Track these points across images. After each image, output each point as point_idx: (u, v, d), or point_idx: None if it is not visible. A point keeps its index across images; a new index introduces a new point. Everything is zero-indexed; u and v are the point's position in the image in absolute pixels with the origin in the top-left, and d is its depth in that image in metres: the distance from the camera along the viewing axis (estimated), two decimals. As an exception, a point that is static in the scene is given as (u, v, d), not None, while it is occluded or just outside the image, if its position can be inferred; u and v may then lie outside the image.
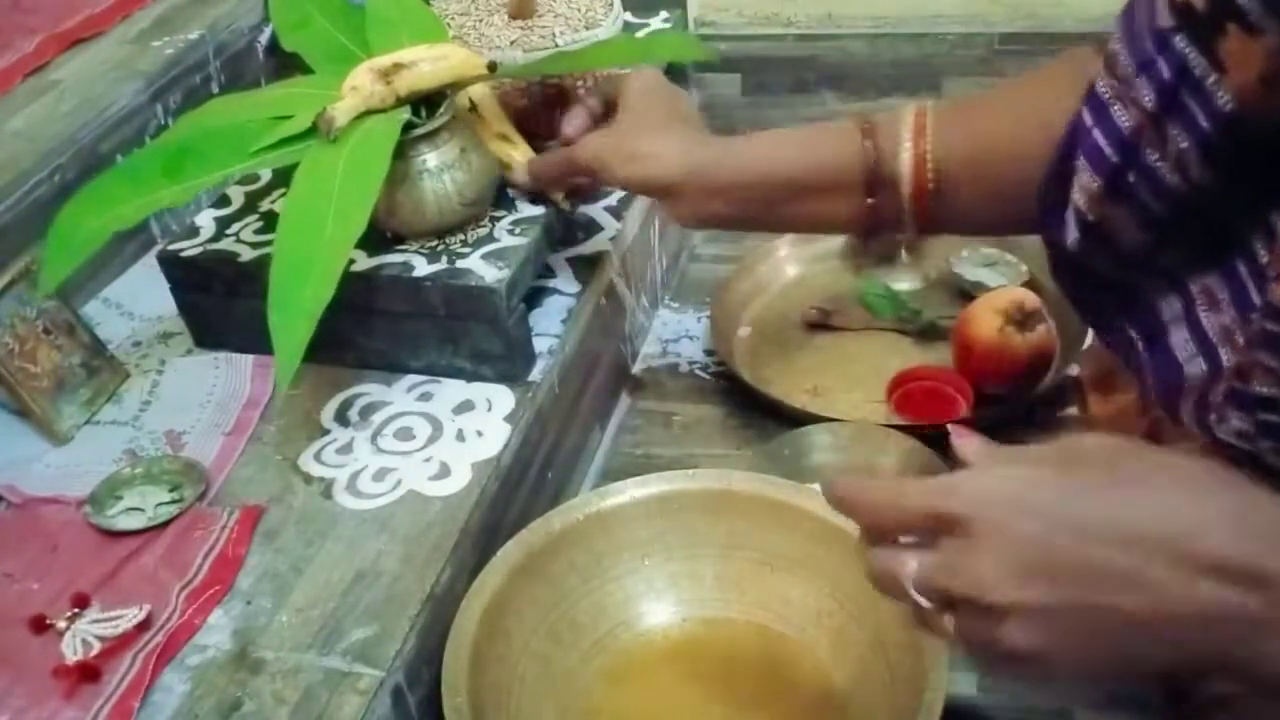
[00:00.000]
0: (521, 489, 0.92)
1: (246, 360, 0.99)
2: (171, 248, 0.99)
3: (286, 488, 0.88)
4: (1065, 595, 0.47)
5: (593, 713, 0.83)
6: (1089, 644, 0.47)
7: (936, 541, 0.50)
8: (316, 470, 0.89)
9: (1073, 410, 1.07)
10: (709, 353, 1.19)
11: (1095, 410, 0.87)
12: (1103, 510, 0.47)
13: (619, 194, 1.17)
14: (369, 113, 0.89)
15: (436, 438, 0.91)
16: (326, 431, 0.93)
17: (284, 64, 1.11)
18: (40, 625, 0.77)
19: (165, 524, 0.84)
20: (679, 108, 0.92)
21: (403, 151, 0.90)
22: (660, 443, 1.10)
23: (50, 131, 1.09)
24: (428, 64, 0.91)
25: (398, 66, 0.90)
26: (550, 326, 1.00)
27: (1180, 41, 0.55)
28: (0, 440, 0.94)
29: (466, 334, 0.93)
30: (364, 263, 0.93)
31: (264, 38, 1.29)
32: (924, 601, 0.51)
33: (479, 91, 0.99)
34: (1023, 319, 1.05)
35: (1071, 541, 0.47)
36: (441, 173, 0.92)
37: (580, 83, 1.03)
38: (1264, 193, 0.54)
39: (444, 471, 0.88)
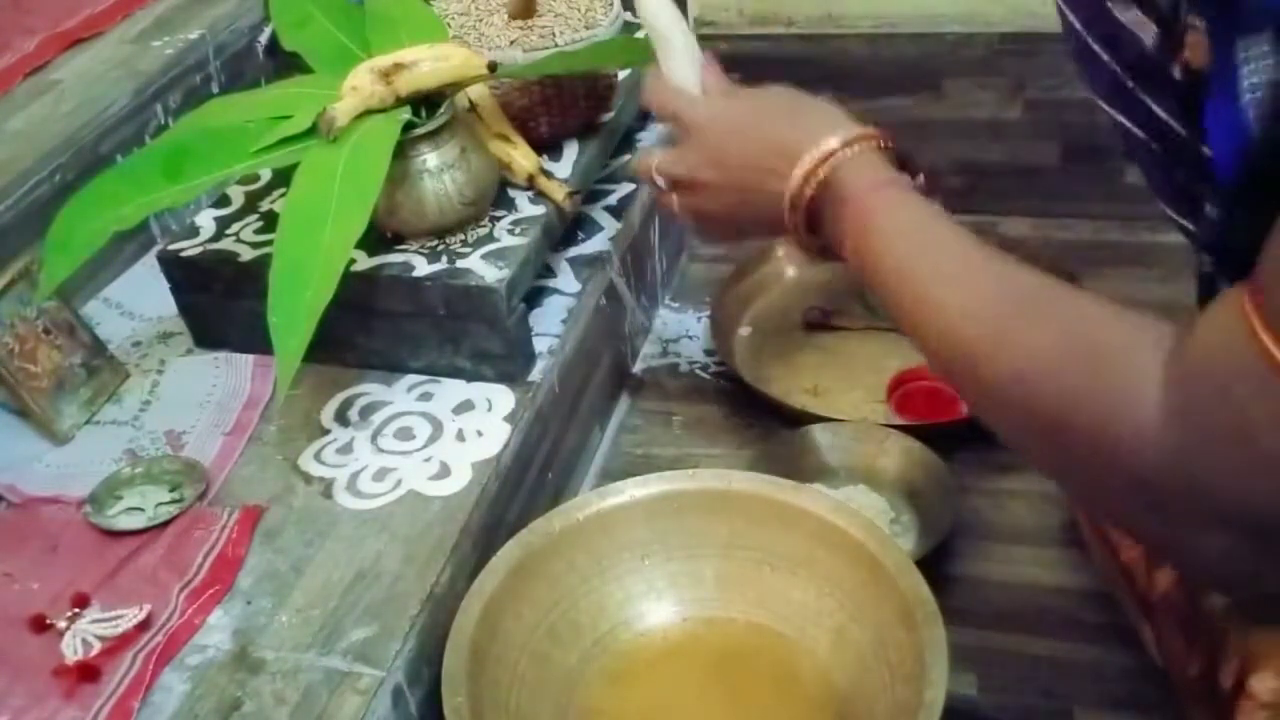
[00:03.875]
0: (521, 489, 0.92)
1: (246, 360, 1.00)
2: (171, 248, 0.99)
3: (286, 488, 0.88)
4: (725, 180, 0.76)
5: (593, 713, 0.83)
6: (734, 212, 0.77)
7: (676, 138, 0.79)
8: (316, 470, 0.89)
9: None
10: (709, 353, 1.19)
11: None
12: (758, 131, 0.74)
13: (619, 194, 1.17)
14: (369, 113, 0.89)
15: (436, 438, 0.91)
16: (326, 431, 0.93)
17: (284, 64, 1.11)
18: (40, 625, 0.77)
19: (165, 524, 0.84)
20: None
21: (403, 151, 0.90)
22: (660, 443, 1.10)
23: (50, 131, 1.09)
24: (428, 64, 0.91)
25: (398, 66, 0.90)
26: (550, 326, 1.00)
27: None
28: (0, 440, 0.94)
29: (466, 334, 0.93)
30: (364, 263, 0.93)
31: (264, 38, 1.29)
32: (661, 183, 0.80)
33: (479, 91, 0.99)
34: (1023, 319, 1.05)
35: (734, 148, 0.75)
36: (441, 173, 0.92)
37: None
38: None
39: (444, 471, 0.88)
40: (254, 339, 0.91)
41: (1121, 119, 0.66)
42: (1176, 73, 0.59)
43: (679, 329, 1.24)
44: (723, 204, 0.77)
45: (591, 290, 1.06)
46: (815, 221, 0.71)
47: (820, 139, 0.70)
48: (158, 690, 0.73)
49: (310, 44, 1.01)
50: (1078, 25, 0.65)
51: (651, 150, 0.83)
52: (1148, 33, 0.61)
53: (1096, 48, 0.64)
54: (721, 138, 0.76)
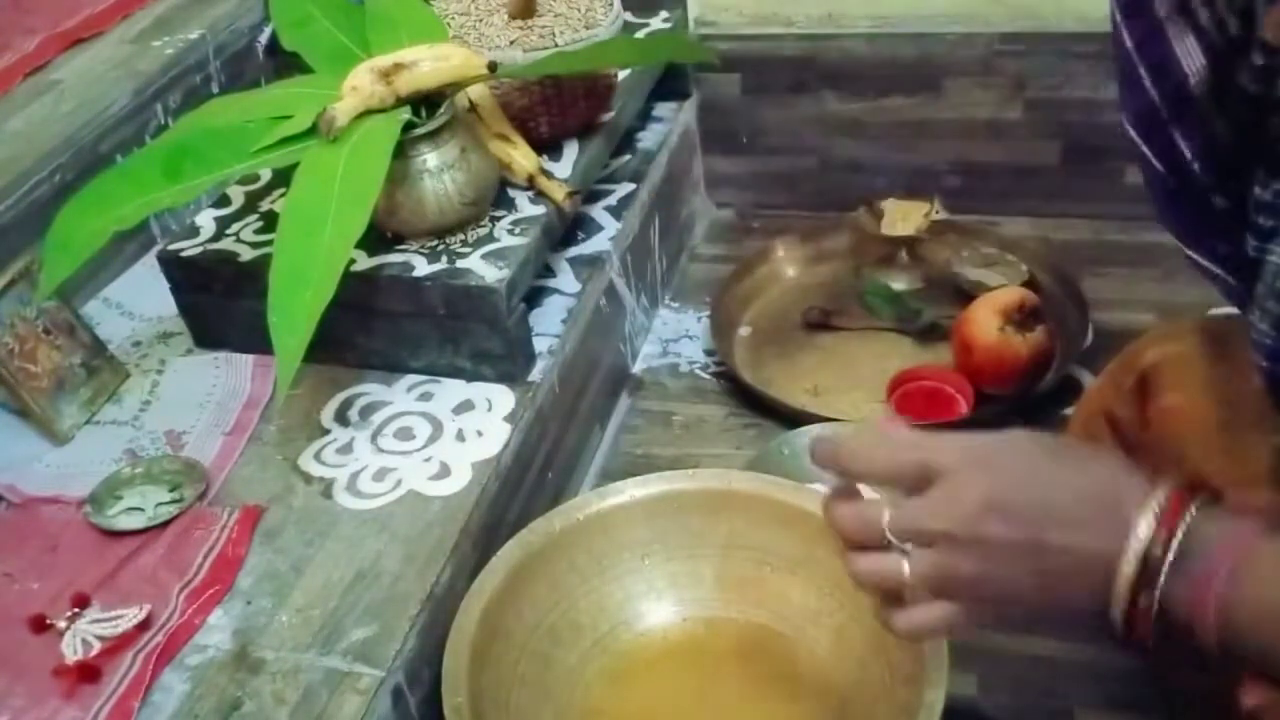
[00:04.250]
0: (521, 489, 0.92)
1: (246, 360, 1.00)
2: (171, 248, 0.99)
3: (286, 488, 0.88)
4: (1016, 533, 0.57)
5: (593, 713, 0.83)
6: (1020, 577, 0.57)
7: (914, 491, 0.60)
8: (316, 470, 0.89)
9: (1069, 409, 1.06)
10: (709, 353, 1.19)
11: None
12: (1048, 473, 0.58)
13: (619, 194, 1.17)
14: (369, 113, 0.89)
15: (436, 438, 0.91)
16: (326, 431, 0.93)
17: (284, 64, 1.11)
18: (40, 625, 0.77)
19: (165, 524, 0.84)
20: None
21: (403, 151, 0.90)
22: (660, 443, 1.10)
23: (50, 131, 1.09)
24: (428, 64, 0.91)
25: (398, 66, 0.90)
26: (550, 326, 1.00)
27: None
28: (0, 440, 0.94)
29: (466, 334, 0.93)
30: (364, 263, 0.93)
31: (264, 38, 1.29)
32: (895, 542, 0.59)
33: (479, 91, 0.99)
34: (1023, 319, 1.05)
35: (1023, 492, 0.58)
36: (441, 173, 0.92)
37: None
38: None
39: (444, 471, 0.88)
40: (254, 339, 0.91)
41: (1144, 149, 0.65)
42: (1257, 58, 0.57)
43: (679, 329, 1.24)
44: (1002, 567, 0.57)
45: (591, 290, 1.06)
46: (1147, 595, 0.56)
47: (1156, 485, 0.56)
48: (158, 690, 0.73)
49: (310, 44, 1.01)
50: (1129, 44, 0.64)
51: (871, 506, 0.61)
52: (1194, 65, 0.60)
53: (1141, 71, 0.63)
54: (1008, 480, 0.58)
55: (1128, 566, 0.55)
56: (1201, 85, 0.60)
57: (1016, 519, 0.57)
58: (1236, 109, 0.59)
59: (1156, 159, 0.64)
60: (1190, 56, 0.60)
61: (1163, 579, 0.54)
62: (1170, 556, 0.54)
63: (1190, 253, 0.66)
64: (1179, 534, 0.54)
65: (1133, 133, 0.65)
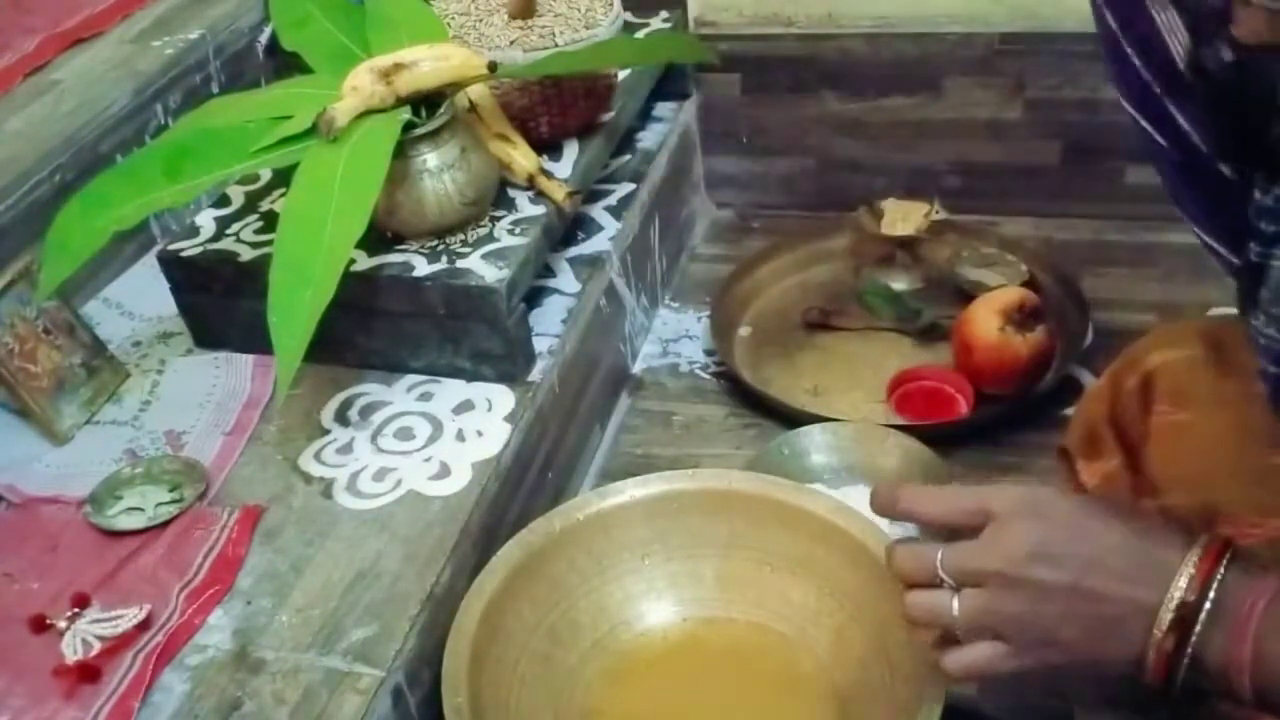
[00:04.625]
0: (521, 489, 0.92)
1: (246, 360, 1.00)
2: (171, 248, 0.99)
3: (286, 488, 0.88)
4: (1061, 577, 0.59)
5: (593, 713, 0.83)
6: (1063, 620, 0.60)
7: (969, 534, 0.62)
8: (316, 470, 0.89)
9: (1069, 409, 1.06)
10: (709, 353, 1.19)
11: (1084, 477, 0.86)
12: (1094, 525, 0.61)
13: (619, 194, 1.17)
14: (369, 113, 0.89)
15: (436, 438, 0.91)
16: (326, 431, 0.93)
17: (284, 64, 1.11)
18: (40, 625, 0.77)
19: (165, 524, 0.84)
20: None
21: (403, 151, 0.90)
22: (660, 443, 1.10)
23: (50, 131, 1.09)
24: (428, 64, 0.91)
25: (398, 66, 0.90)
26: (550, 326, 1.00)
27: None
28: (0, 440, 0.94)
29: (466, 334, 0.93)
30: (364, 263, 0.93)
31: (264, 38, 1.29)
32: (949, 580, 0.62)
33: (479, 91, 0.99)
34: (1023, 319, 1.05)
35: (1070, 541, 0.60)
36: (441, 173, 0.92)
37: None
38: None
39: (444, 471, 0.88)
40: (254, 339, 0.91)
41: (1146, 125, 0.65)
42: (1225, 54, 0.57)
43: (679, 329, 1.24)
44: (1046, 608, 0.60)
45: (591, 290, 1.06)
46: (1183, 643, 0.58)
47: (1195, 539, 0.58)
48: (158, 690, 0.73)
49: (310, 44, 1.01)
50: (1114, 24, 0.64)
51: (927, 548, 0.64)
52: (1178, 39, 0.60)
53: (1129, 50, 0.63)
54: (1057, 528, 0.60)
55: (1166, 614, 0.57)
56: (1187, 58, 0.60)
57: (1062, 565, 0.59)
58: (1216, 86, 0.59)
59: (1158, 133, 0.64)
60: (1175, 32, 0.60)
61: (1199, 628, 0.57)
62: (1207, 606, 0.57)
63: (1205, 237, 0.66)
64: (1215, 585, 0.57)
65: (1129, 107, 0.65)
